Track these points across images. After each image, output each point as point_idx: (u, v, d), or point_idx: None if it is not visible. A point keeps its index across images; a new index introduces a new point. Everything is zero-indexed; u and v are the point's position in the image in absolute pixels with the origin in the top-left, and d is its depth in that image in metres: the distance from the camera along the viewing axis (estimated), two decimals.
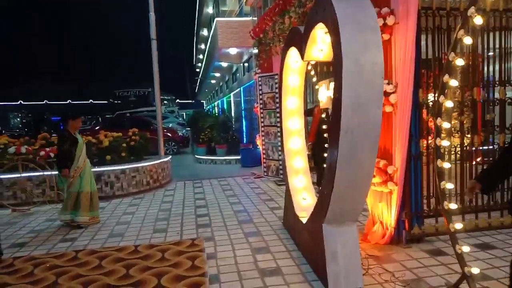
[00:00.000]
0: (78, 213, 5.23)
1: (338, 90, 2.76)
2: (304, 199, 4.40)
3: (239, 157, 11.32)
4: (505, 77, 4.31)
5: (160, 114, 9.49)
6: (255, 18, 12.21)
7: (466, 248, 2.79)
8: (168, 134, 15.21)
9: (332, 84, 4.44)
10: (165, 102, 32.96)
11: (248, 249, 4.09)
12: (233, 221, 5.20)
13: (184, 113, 34.02)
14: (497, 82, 4.27)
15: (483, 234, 4.16)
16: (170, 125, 19.29)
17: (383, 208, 4.00)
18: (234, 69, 18.62)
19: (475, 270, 2.68)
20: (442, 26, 4.03)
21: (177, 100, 53.97)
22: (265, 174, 8.40)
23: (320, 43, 3.64)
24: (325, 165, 5.87)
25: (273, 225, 4.90)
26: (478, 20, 2.28)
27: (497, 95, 4.29)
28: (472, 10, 2.30)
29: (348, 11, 2.73)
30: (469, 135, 4.29)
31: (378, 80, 2.68)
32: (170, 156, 9.18)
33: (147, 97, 35.54)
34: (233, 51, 14.67)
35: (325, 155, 5.92)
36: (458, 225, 2.79)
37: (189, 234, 4.72)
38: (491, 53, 4.23)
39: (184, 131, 18.29)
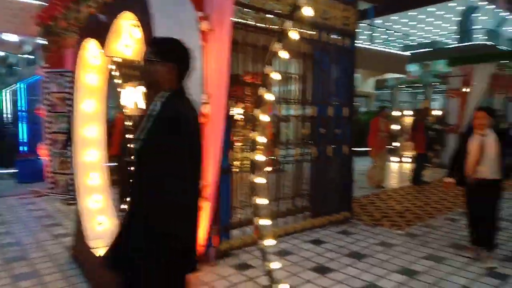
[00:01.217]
0: None
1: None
2: (101, 224, 3.65)
3: (14, 171, 9.03)
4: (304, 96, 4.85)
5: None
6: (44, 3, 10.19)
7: (275, 265, 2.77)
8: None
9: (141, 88, 3.91)
10: None
11: None
12: None
13: None
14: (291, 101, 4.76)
15: (281, 240, 4.43)
16: None
17: None
18: (13, 60, 15.17)
19: (285, 286, 2.68)
20: (249, 42, 4.15)
21: None
22: (51, 191, 6.90)
23: (126, 37, 3.08)
24: (131, 181, 5.18)
25: (58, 259, 3.86)
26: (294, 35, 2.28)
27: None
28: (288, 24, 2.28)
29: (164, 2, 2.32)
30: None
31: (197, 88, 2.37)
32: None
33: None
34: (11, 37, 11.83)
35: (132, 168, 5.24)
36: (270, 242, 2.75)
37: None
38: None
39: None
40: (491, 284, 3.36)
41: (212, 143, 3.48)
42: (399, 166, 11.16)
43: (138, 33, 2.95)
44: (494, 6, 24.91)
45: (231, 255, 3.97)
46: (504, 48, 21.14)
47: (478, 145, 3.69)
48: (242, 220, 4.33)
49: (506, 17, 26.93)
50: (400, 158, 11.69)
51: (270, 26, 3.99)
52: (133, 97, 3.92)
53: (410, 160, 10.89)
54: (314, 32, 4.70)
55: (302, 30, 4.60)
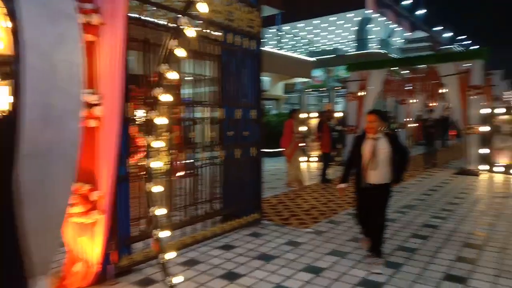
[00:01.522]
0: None
1: (18, 95, 1.95)
2: None
3: None
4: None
5: None
6: None
7: (178, 278, 2.59)
8: None
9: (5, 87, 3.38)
10: None
11: None
12: None
13: None
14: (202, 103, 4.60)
15: (189, 249, 4.23)
16: None
17: (86, 242, 3.32)
18: None
19: None
20: (152, 41, 3.89)
21: None
22: None
23: None
24: None
25: None
26: (190, 33, 2.13)
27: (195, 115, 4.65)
28: (184, 20, 2.13)
29: None
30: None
31: (76, 86, 2.06)
32: None
33: None
34: None
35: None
36: (171, 255, 2.56)
37: None
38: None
39: None
40: (386, 274, 3.61)
41: (105, 148, 3.15)
42: (306, 166, 11.72)
43: (6, 23, 2.50)
44: (384, 18, 27.94)
45: (133, 271, 3.64)
46: (394, 56, 23.82)
47: (370, 149, 3.68)
48: (145, 232, 4.02)
49: (395, 29, 30.42)
50: (308, 158, 12.28)
51: (170, 24, 3.78)
52: (9, 99, 3.38)
53: (316, 159, 11.50)
54: (220, 33, 4.61)
55: (207, 31, 4.48)
